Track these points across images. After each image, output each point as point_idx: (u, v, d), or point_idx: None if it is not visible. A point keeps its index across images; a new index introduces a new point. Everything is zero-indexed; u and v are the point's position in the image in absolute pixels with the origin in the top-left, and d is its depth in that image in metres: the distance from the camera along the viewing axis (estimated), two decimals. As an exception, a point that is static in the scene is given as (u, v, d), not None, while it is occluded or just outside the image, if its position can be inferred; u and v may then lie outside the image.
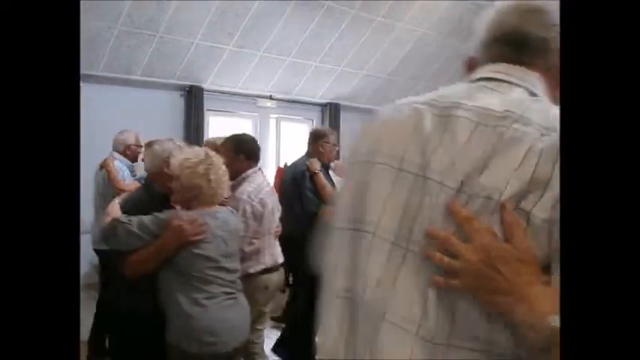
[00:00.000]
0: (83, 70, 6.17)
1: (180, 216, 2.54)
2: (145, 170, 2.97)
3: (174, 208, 2.73)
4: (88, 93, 6.16)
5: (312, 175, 4.21)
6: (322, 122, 8.45)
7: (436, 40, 8.17)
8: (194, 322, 2.47)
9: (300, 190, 4.15)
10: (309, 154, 4.49)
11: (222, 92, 7.35)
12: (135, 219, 2.51)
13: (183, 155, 2.68)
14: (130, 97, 6.55)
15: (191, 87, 7.00)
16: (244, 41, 6.79)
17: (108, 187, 4.30)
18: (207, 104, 7.18)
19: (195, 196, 2.62)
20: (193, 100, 7.00)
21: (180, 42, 6.43)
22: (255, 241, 3.34)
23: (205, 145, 3.76)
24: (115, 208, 2.67)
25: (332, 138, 4.57)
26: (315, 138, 4.56)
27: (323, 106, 8.44)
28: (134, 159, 4.65)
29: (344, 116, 8.46)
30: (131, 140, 4.64)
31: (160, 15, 6.03)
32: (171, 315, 2.51)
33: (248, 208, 3.28)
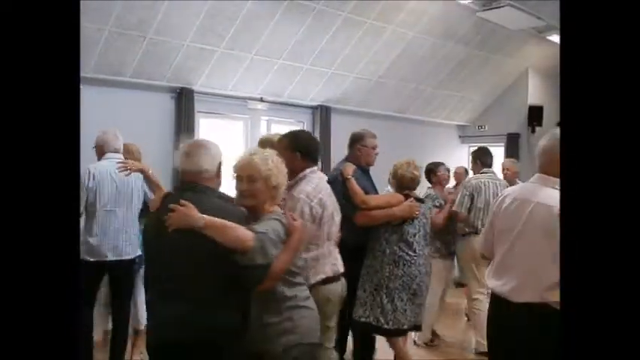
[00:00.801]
0: (73, 72, 6.13)
1: (295, 217, 2.56)
2: (188, 172, 2.53)
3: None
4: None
5: (344, 181, 4.06)
6: (313, 125, 8.46)
7: (427, 43, 8.20)
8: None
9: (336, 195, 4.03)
10: (347, 159, 4.40)
11: (213, 94, 7.33)
12: (264, 227, 2.35)
13: (260, 155, 2.57)
14: (120, 99, 6.51)
15: (182, 89, 6.97)
16: (235, 43, 6.78)
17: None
18: (197, 106, 7.15)
19: (274, 197, 2.55)
20: (184, 102, 6.98)
21: (170, 44, 6.41)
22: (313, 247, 3.12)
23: (261, 143, 3.53)
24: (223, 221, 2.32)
25: (370, 141, 4.42)
26: (352, 141, 4.46)
27: (314, 108, 8.44)
28: None
29: (335, 119, 8.46)
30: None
31: (150, 17, 6.01)
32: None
33: (306, 209, 3.06)
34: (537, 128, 9.82)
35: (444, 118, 10.23)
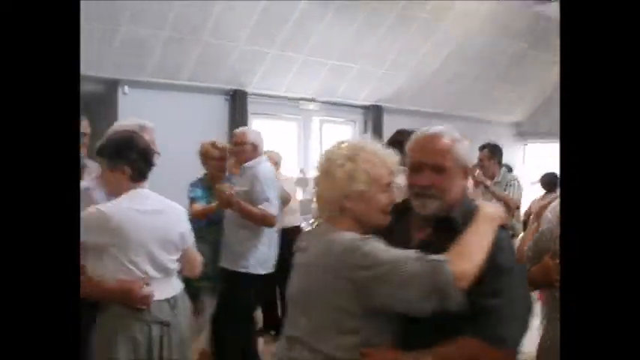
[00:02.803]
0: (131, 77, 6.32)
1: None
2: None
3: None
4: (135, 99, 6.32)
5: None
6: (365, 125, 8.44)
7: (480, 40, 8.06)
8: None
9: None
10: None
11: (266, 96, 7.41)
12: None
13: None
14: (175, 102, 6.67)
15: (235, 91, 7.08)
16: (287, 45, 6.83)
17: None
18: (250, 108, 7.24)
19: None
20: (237, 104, 7.08)
21: (224, 47, 6.52)
22: None
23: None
24: None
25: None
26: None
27: (366, 108, 8.42)
28: None
29: (387, 118, 8.42)
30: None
31: (205, 20, 6.13)
32: None
33: None
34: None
35: (497, 115, 10.03)
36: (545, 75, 9.65)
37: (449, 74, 8.50)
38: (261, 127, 7.52)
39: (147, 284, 2.43)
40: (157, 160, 2.69)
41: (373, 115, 8.36)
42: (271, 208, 3.85)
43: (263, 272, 4.00)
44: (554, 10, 7.32)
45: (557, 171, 5.98)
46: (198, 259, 2.85)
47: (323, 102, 7.92)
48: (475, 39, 8.01)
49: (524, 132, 10.62)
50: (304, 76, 7.39)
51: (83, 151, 3.33)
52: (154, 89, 6.50)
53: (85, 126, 3.54)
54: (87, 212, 2.36)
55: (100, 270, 2.40)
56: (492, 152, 5.26)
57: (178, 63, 6.47)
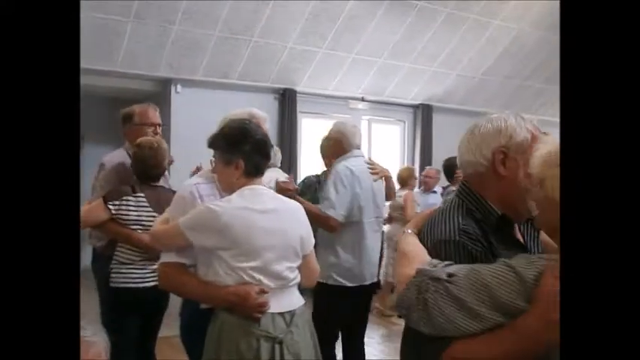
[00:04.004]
0: (184, 76, 6.46)
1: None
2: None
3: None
4: (188, 97, 6.46)
5: None
6: (414, 124, 8.38)
7: (532, 38, 7.89)
8: None
9: None
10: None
11: (315, 94, 7.44)
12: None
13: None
14: (226, 101, 6.78)
15: (285, 90, 7.14)
16: (336, 44, 6.85)
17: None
18: (300, 107, 7.29)
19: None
20: (287, 102, 7.14)
21: (274, 46, 6.59)
22: None
23: None
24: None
25: None
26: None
27: (415, 107, 8.36)
28: None
29: (436, 118, 8.34)
30: None
31: (255, 20, 6.21)
32: None
33: None
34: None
35: (552, 115, 9.80)
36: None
37: (499, 74, 8.36)
38: (311, 126, 7.59)
39: (264, 292, 2.13)
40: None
41: (422, 115, 8.30)
42: (329, 209, 3.36)
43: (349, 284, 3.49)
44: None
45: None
46: (317, 268, 2.49)
47: (372, 101, 7.91)
48: (526, 38, 7.85)
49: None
50: (353, 75, 7.39)
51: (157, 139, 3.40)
52: (206, 88, 6.62)
53: (157, 116, 3.67)
54: (196, 211, 2.18)
55: (211, 275, 2.16)
56: None
57: (229, 62, 6.57)
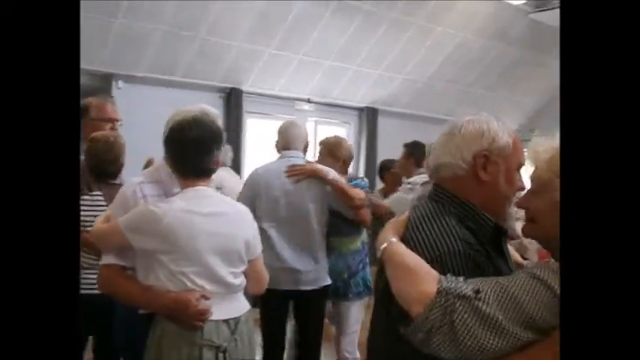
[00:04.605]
0: (126, 71, 6.29)
1: None
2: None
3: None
4: (129, 94, 6.29)
5: None
6: (360, 127, 8.43)
7: (477, 45, 8.07)
8: None
9: None
10: None
11: (261, 95, 7.39)
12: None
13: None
14: (170, 99, 6.64)
15: (231, 89, 7.06)
16: (284, 44, 6.82)
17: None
18: (246, 106, 7.23)
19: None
20: (233, 102, 7.06)
21: (221, 44, 6.50)
22: None
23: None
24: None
25: None
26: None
27: (360, 110, 8.42)
28: None
29: (381, 121, 8.42)
30: None
31: (203, 17, 6.11)
32: None
33: None
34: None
35: (493, 121, 10.05)
36: (542, 81, 9.67)
37: (444, 79, 8.51)
38: (256, 127, 7.53)
39: (205, 298, 2.03)
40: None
41: (368, 118, 8.36)
42: None
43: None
44: (549, 17, 7.35)
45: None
46: (265, 274, 2.39)
47: (318, 103, 7.91)
48: (471, 44, 8.02)
49: (521, 138, 10.61)
50: (300, 76, 7.38)
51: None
52: (149, 84, 6.47)
53: (115, 111, 3.51)
54: (136, 211, 2.07)
55: (152, 280, 2.05)
56: (411, 151, 4.91)
57: (174, 59, 6.45)
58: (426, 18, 7.28)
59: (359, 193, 3.50)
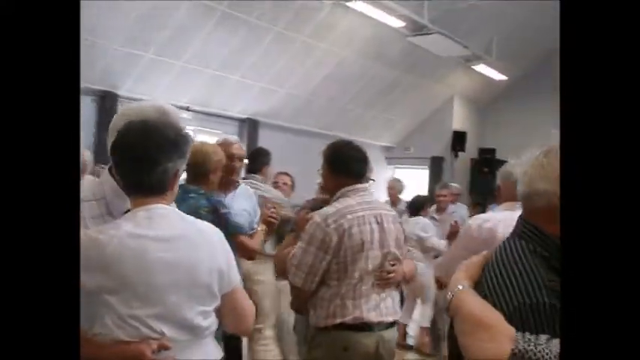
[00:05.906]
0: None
1: None
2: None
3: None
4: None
5: None
6: (240, 137, 8.36)
7: (357, 64, 8.31)
8: None
9: None
10: None
11: (137, 100, 7.11)
12: None
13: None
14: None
15: (105, 93, 6.76)
16: (165, 50, 6.64)
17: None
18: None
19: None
20: (106, 106, 6.76)
21: (98, 45, 6.19)
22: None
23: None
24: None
25: None
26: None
27: (241, 121, 8.37)
28: None
29: (262, 133, 8.41)
30: None
31: (81, 16, 5.78)
32: None
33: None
34: (460, 153, 10.12)
35: (369, 138, 10.37)
36: (416, 102, 10.13)
37: (325, 95, 8.68)
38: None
39: (165, 348, 1.53)
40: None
41: (248, 129, 8.33)
42: None
43: None
44: (426, 41, 7.72)
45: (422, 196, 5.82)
46: (248, 308, 1.79)
47: (197, 111, 7.76)
48: (351, 63, 8.25)
49: (394, 157, 11.06)
50: (180, 83, 7.21)
51: None
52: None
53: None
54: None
55: (98, 328, 1.54)
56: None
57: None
58: (309, 34, 7.39)
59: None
